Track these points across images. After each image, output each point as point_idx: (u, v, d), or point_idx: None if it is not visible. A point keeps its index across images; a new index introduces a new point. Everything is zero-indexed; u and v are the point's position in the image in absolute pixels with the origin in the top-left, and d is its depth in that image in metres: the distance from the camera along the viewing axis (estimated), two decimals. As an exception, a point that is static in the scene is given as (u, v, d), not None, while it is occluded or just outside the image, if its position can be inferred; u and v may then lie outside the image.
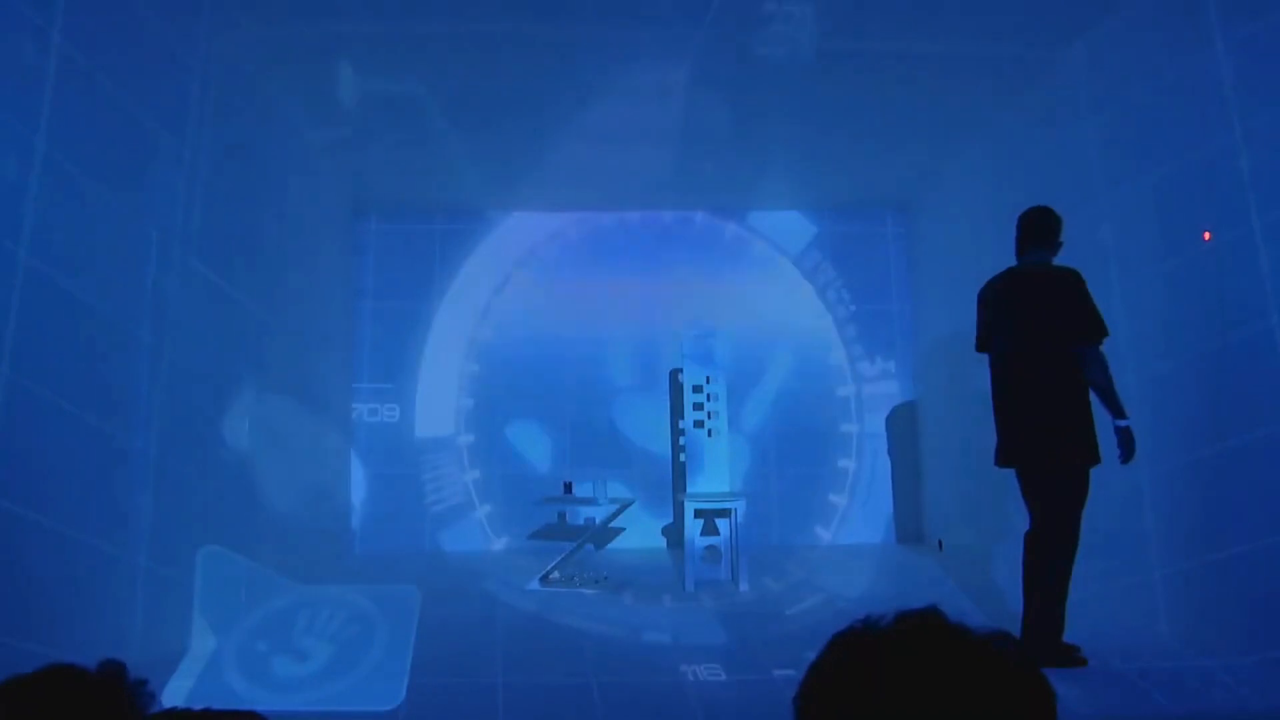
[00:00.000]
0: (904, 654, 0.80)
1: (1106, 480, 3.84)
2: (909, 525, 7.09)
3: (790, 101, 5.47)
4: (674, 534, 6.86)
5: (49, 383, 3.13)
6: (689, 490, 5.98)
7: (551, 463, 7.03)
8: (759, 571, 5.40)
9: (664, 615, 5.00)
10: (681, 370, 6.43)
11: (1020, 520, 3.91)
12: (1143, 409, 4.13)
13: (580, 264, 7.41)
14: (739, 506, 5.61)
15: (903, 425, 7.26)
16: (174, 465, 3.97)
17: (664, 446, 7.08)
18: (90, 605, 3.36)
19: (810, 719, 0.84)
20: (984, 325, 4.03)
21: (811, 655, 0.86)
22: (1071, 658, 3.63)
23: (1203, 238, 3.95)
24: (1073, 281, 3.75)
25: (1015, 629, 3.67)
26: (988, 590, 5.01)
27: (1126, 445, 3.69)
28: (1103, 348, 3.74)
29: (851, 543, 7.02)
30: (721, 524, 5.86)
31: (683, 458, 6.27)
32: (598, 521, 5.88)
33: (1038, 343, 3.75)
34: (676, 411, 6.93)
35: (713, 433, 6.06)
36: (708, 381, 6.15)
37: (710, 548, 5.76)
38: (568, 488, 6.03)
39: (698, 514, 5.74)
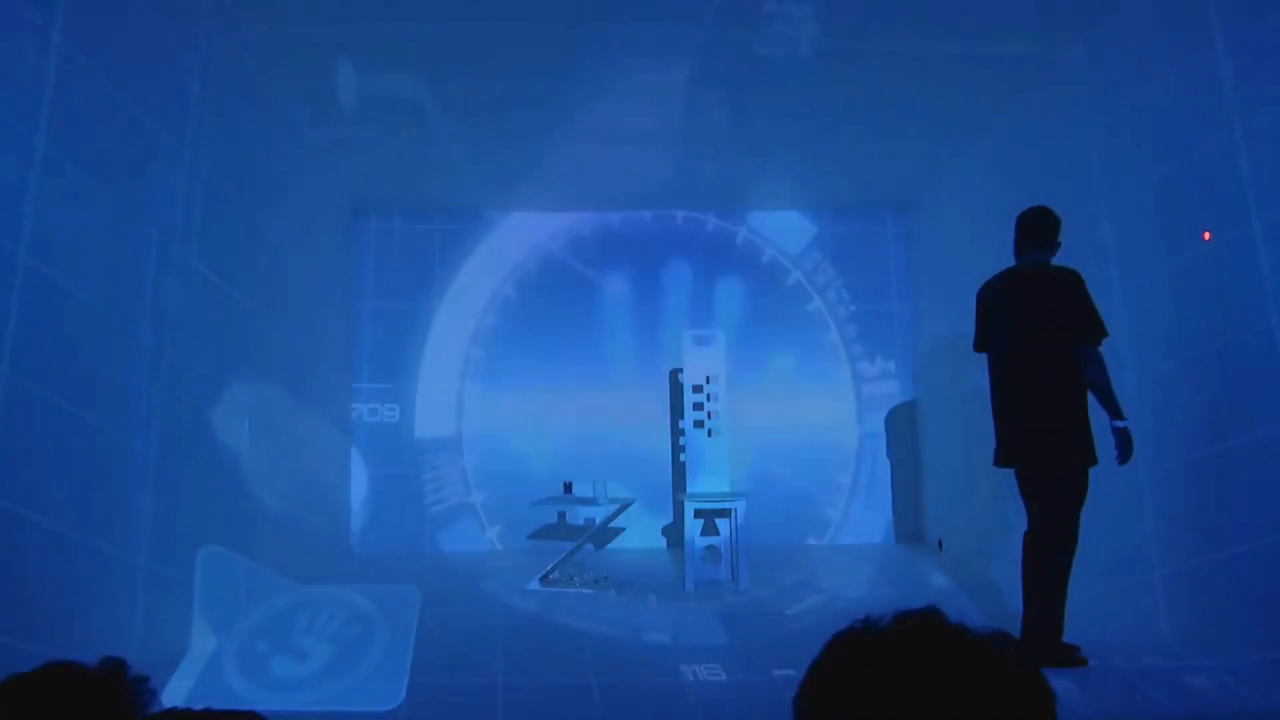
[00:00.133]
0: (903, 654, 0.80)
1: (1106, 480, 3.84)
2: (909, 525, 7.09)
3: (790, 101, 5.47)
4: (674, 534, 6.85)
5: (49, 383, 3.13)
6: (689, 490, 5.98)
7: (551, 463, 7.03)
8: (759, 571, 5.40)
9: (664, 615, 5.00)
10: (681, 370, 6.43)
11: (1020, 520, 3.91)
12: (1143, 409, 4.13)
13: (580, 264, 7.41)
14: (739, 506, 5.61)
15: (903, 425, 7.26)
16: (174, 465, 3.97)
17: (664, 446, 7.09)
18: (90, 605, 3.36)
19: (810, 719, 0.83)
20: (982, 325, 4.03)
21: (811, 655, 0.86)
22: (1071, 658, 3.63)
23: (1203, 238, 3.95)
24: (1072, 282, 3.75)
25: (1015, 629, 3.67)
26: (988, 590, 5.01)
27: (1124, 446, 3.69)
28: (1102, 348, 3.74)
29: (851, 543, 7.02)
30: (721, 524, 5.86)
31: (683, 458, 6.27)
32: (598, 521, 5.88)
33: (1037, 343, 3.75)
34: (676, 411, 6.93)
35: (713, 433, 6.06)
36: (708, 381, 6.14)
37: (710, 548, 5.75)
38: (568, 488, 6.03)
39: (698, 514, 5.74)
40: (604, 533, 6.20)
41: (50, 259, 3.13)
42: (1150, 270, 4.29)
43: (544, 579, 5.50)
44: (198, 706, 1.15)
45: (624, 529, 6.66)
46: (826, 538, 7.07)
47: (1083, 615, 3.80)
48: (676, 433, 6.87)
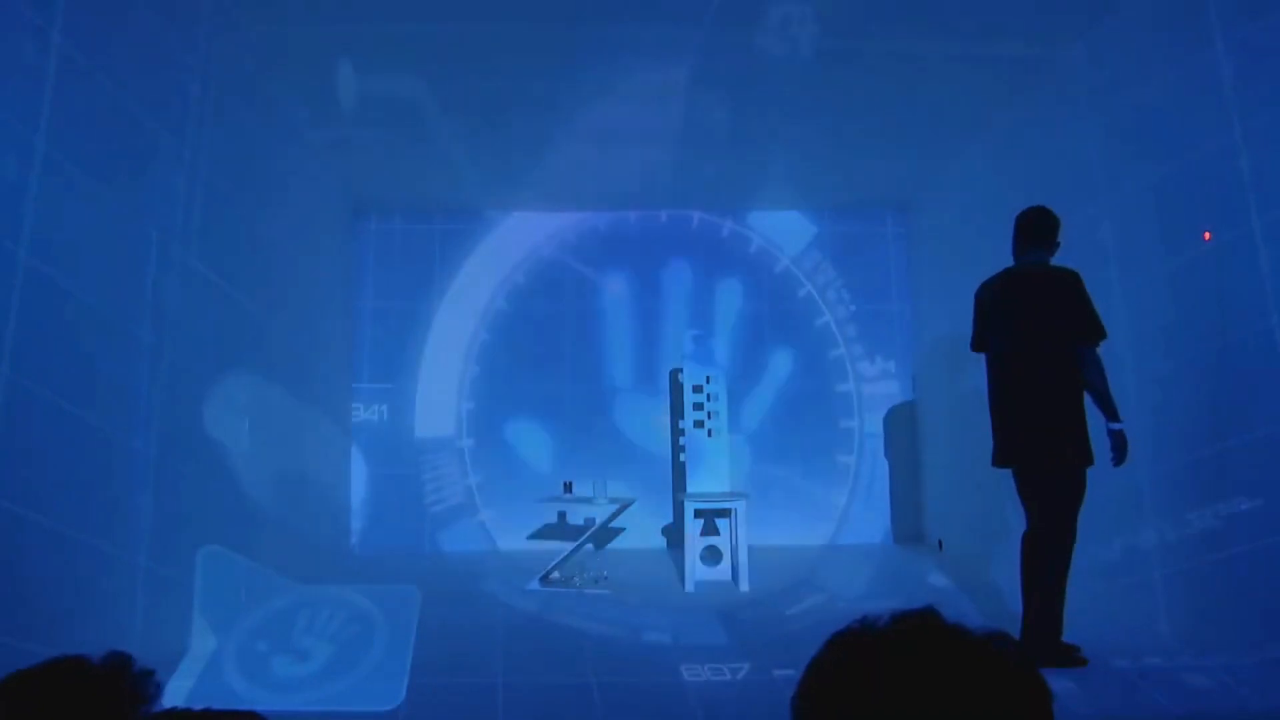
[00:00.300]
0: (901, 654, 0.80)
1: (1106, 480, 3.84)
2: (909, 525, 7.09)
3: (790, 101, 5.47)
4: (674, 534, 6.85)
5: (49, 383, 3.13)
6: (689, 490, 5.98)
7: (551, 463, 7.03)
8: (759, 571, 5.40)
9: (664, 615, 5.00)
10: (681, 370, 6.43)
11: (1019, 520, 3.91)
12: (1142, 409, 4.13)
13: (580, 264, 7.40)
14: (739, 506, 5.61)
15: (902, 425, 7.26)
16: (174, 465, 3.97)
17: (664, 446, 7.09)
18: (90, 605, 3.36)
19: (808, 719, 0.84)
20: (980, 325, 4.03)
21: (811, 655, 0.86)
22: (1071, 658, 3.63)
23: (1203, 238, 3.95)
24: (1071, 282, 3.75)
25: (1015, 629, 3.67)
26: (987, 590, 5.01)
27: (1120, 448, 3.69)
28: (1101, 348, 3.74)
29: (851, 543, 7.02)
30: (721, 524, 5.86)
31: (683, 458, 6.27)
32: (598, 521, 5.88)
33: (1035, 343, 3.75)
34: (676, 411, 6.93)
35: (713, 433, 6.06)
36: (708, 381, 6.14)
37: (710, 548, 5.75)
38: (568, 488, 6.02)
39: (698, 514, 5.74)
40: (604, 533, 6.20)
41: (50, 259, 3.13)
42: (1150, 270, 4.29)
43: (544, 579, 5.50)
44: (198, 706, 1.15)
45: (624, 529, 6.66)
46: (826, 538, 7.07)
47: (1083, 615, 3.80)
48: (676, 433, 6.87)
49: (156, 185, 3.91)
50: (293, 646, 4.18)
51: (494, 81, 5.20)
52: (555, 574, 5.53)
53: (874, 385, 7.36)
